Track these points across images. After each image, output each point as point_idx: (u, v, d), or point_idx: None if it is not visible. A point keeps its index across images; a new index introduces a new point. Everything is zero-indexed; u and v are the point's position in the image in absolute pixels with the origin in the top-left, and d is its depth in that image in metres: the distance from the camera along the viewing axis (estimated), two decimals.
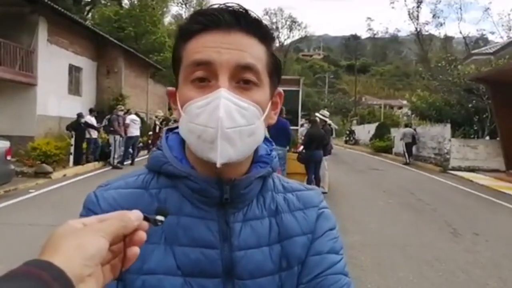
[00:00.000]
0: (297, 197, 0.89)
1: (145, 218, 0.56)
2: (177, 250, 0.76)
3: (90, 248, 0.47)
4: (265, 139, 0.84)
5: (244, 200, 0.81)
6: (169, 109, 28.74)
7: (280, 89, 0.86)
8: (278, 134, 9.34)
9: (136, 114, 16.55)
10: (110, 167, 13.84)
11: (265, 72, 0.78)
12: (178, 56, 0.79)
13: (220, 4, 0.77)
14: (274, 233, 0.82)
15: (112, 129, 14.00)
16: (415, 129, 19.87)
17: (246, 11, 0.76)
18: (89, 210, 0.78)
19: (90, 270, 0.47)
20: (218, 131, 0.70)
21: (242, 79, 0.74)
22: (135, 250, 0.54)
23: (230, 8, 0.75)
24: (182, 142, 0.82)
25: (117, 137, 13.99)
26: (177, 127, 0.85)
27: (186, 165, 0.80)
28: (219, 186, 0.77)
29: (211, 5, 0.78)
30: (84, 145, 13.76)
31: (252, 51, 0.75)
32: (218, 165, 0.71)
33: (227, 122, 0.70)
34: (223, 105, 0.70)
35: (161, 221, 0.58)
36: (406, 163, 18.92)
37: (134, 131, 14.95)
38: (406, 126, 21.39)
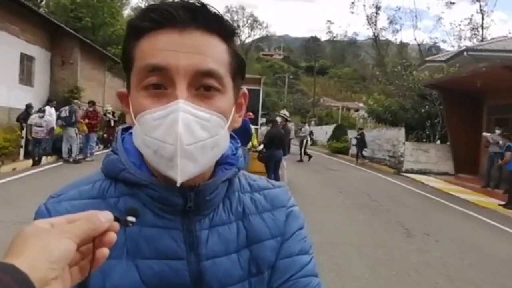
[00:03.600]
0: (265, 197, 0.84)
1: (116, 219, 0.54)
2: (140, 263, 0.71)
3: (55, 250, 0.46)
4: (230, 136, 0.78)
5: (210, 206, 0.76)
6: None
7: (245, 89, 0.80)
8: (238, 132, 9.33)
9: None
10: (62, 161, 13.34)
11: (228, 76, 0.71)
12: (129, 56, 0.71)
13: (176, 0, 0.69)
14: (242, 237, 0.78)
15: (73, 121, 13.40)
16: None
17: (204, 5, 0.69)
18: None
19: (55, 273, 0.46)
20: (177, 149, 0.64)
21: (202, 85, 0.68)
22: (104, 252, 0.53)
23: (186, 3, 0.68)
24: None
25: (76, 130, 13.55)
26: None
27: (145, 171, 0.74)
28: (182, 194, 0.72)
29: (165, 0, 0.70)
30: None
31: (213, 53, 0.69)
32: (178, 184, 0.66)
33: (187, 138, 0.65)
34: (182, 118, 0.64)
35: (132, 222, 0.57)
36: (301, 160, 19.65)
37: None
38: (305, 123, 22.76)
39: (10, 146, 11.85)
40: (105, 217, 0.52)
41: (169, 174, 0.67)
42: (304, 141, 20.32)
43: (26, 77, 17.69)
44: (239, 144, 0.85)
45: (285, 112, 11.70)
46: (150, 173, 0.74)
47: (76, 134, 13.48)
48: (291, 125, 13.67)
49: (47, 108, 13.44)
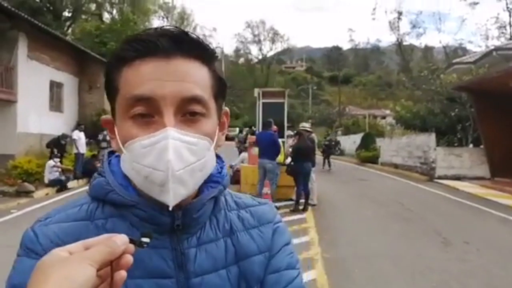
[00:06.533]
0: (251, 214, 0.86)
1: (131, 241, 0.56)
2: (130, 283, 0.67)
3: (78, 278, 0.48)
4: (216, 156, 0.79)
5: (197, 224, 0.77)
6: None
7: (227, 108, 0.82)
8: (267, 147, 9.28)
9: None
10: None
11: (211, 99, 0.73)
12: (113, 84, 0.72)
13: (157, 28, 0.72)
14: (231, 254, 0.79)
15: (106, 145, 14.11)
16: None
17: (185, 32, 0.71)
18: (28, 249, 0.70)
19: None
20: (169, 175, 0.66)
21: (188, 111, 0.70)
22: (122, 274, 0.54)
23: (167, 31, 0.70)
24: None
25: None
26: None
27: (132, 192, 0.75)
28: (169, 213, 0.72)
29: (147, 29, 0.72)
30: (68, 161, 13.50)
31: (196, 79, 0.71)
32: (170, 208, 0.68)
33: (177, 164, 0.66)
34: (172, 146, 0.66)
35: (147, 243, 0.58)
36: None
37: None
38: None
39: (42, 171, 12.11)
40: (121, 240, 0.54)
41: (161, 199, 0.68)
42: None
43: (55, 103, 18.24)
44: (224, 163, 0.86)
45: (304, 124, 11.56)
46: (137, 194, 0.74)
47: None
48: (314, 136, 13.55)
49: (76, 132, 13.80)
